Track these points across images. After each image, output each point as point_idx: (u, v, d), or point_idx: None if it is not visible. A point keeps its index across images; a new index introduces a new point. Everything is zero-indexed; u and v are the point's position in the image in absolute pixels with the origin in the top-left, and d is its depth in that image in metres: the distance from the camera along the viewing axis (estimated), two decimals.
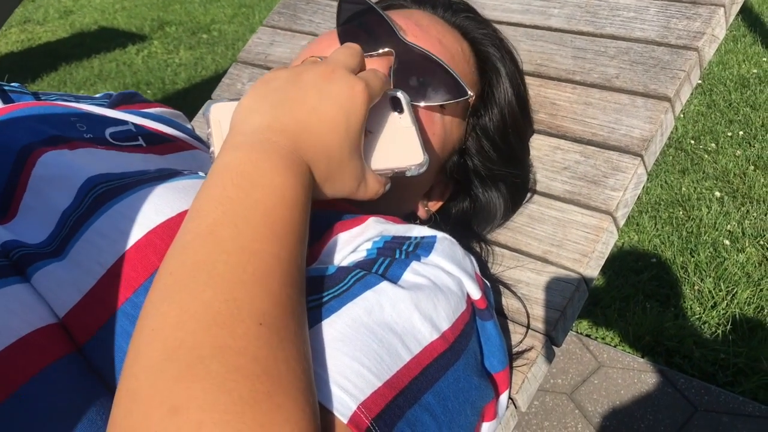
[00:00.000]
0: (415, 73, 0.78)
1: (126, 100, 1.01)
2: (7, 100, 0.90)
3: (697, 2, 0.97)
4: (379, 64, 0.77)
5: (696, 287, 2.35)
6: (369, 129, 0.69)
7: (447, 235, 0.70)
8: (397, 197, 0.80)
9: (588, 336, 2.23)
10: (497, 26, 0.95)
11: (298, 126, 0.60)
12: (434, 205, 0.91)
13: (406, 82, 0.78)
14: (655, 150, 0.91)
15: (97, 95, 1.02)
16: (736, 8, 0.98)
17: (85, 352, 0.57)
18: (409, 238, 0.68)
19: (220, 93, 1.32)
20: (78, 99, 0.96)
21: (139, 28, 5.34)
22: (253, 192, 0.53)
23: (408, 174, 0.71)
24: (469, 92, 0.79)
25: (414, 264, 0.64)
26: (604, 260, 0.88)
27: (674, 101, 0.91)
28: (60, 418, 0.52)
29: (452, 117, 0.83)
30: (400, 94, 0.73)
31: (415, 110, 0.76)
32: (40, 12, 5.80)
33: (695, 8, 0.97)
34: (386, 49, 0.78)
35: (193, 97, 3.95)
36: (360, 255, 0.66)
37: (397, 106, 0.73)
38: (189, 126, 1.04)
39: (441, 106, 0.80)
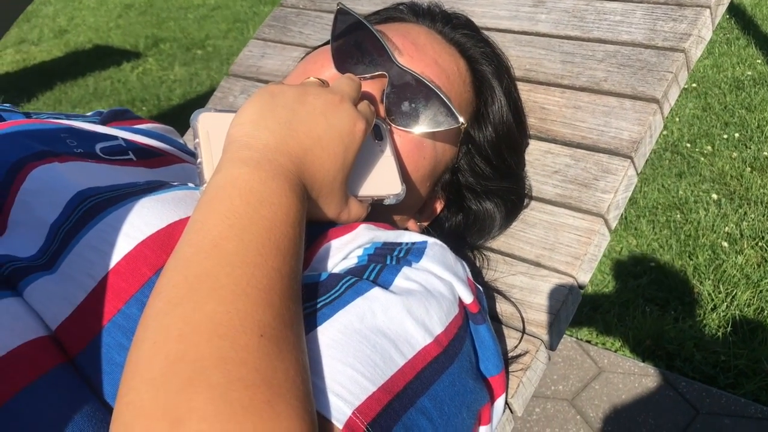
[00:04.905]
0: (408, 97, 0.78)
1: (117, 116, 1.01)
2: None
3: (682, 4, 0.98)
4: (372, 86, 0.77)
5: (695, 290, 2.35)
6: None
7: (438, 241, 0.71)
8: (389, 217, 0.81)
9: (588, 342, 2.23)
10: (486, 33, 0.96)
11: (302, 151, 0.62)
12: (426, 221, 0.91)
13: (399, 106, 0.78)
14: (644, 152, 0.91)
15: (88, 113, 1.02)
16: (722, 9, 0.99)
17: (77, 364, 0.57)
18: (400, 244, 0.69)
19: (212, 106, 1.32)
20: (69, 117, 0.97)
21: (133, 45, 5.35)
22: (261, 208, 0.55)
23: (386, 202, 0.74)
24: (461, 119, 0.78)
25: (405, 269, 0.64)
26: (597, 262, 0.88)
27: (662, 102, 0.91)
28: (50, 430, 0.52)
29: (444, 141, 0.83)
30: (380, 123, 0.75)
31: (395, 137, 0.77)
32: (35, 32, 5.82)
33: (681, 10, 0.97)
34: (379, 72, 0.78)
35: (188, 113, 3.87)
36: (351, 262, 0.66)
37: (377, 135, 0.75)
38: (180, 140, 1.04)
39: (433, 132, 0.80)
